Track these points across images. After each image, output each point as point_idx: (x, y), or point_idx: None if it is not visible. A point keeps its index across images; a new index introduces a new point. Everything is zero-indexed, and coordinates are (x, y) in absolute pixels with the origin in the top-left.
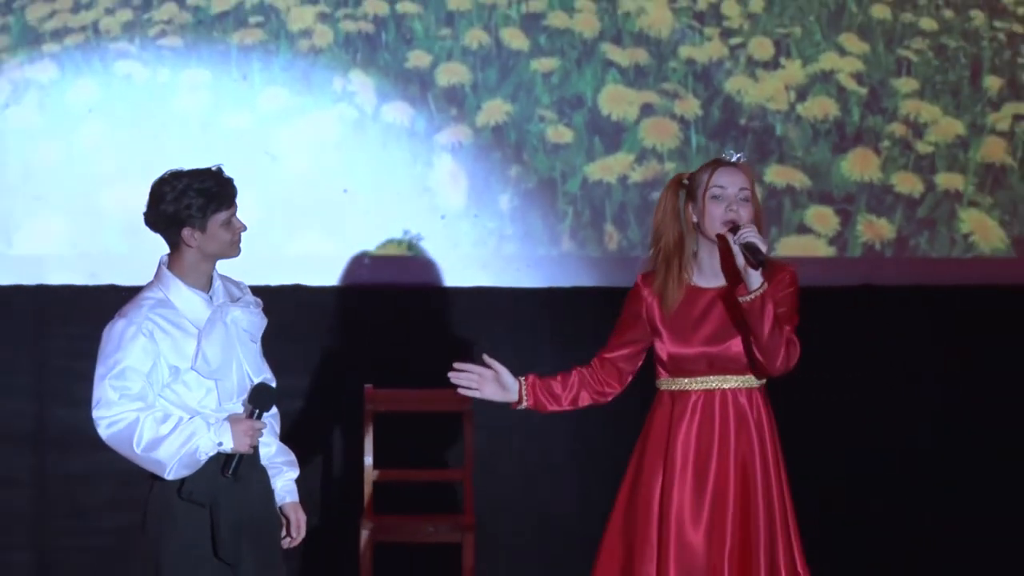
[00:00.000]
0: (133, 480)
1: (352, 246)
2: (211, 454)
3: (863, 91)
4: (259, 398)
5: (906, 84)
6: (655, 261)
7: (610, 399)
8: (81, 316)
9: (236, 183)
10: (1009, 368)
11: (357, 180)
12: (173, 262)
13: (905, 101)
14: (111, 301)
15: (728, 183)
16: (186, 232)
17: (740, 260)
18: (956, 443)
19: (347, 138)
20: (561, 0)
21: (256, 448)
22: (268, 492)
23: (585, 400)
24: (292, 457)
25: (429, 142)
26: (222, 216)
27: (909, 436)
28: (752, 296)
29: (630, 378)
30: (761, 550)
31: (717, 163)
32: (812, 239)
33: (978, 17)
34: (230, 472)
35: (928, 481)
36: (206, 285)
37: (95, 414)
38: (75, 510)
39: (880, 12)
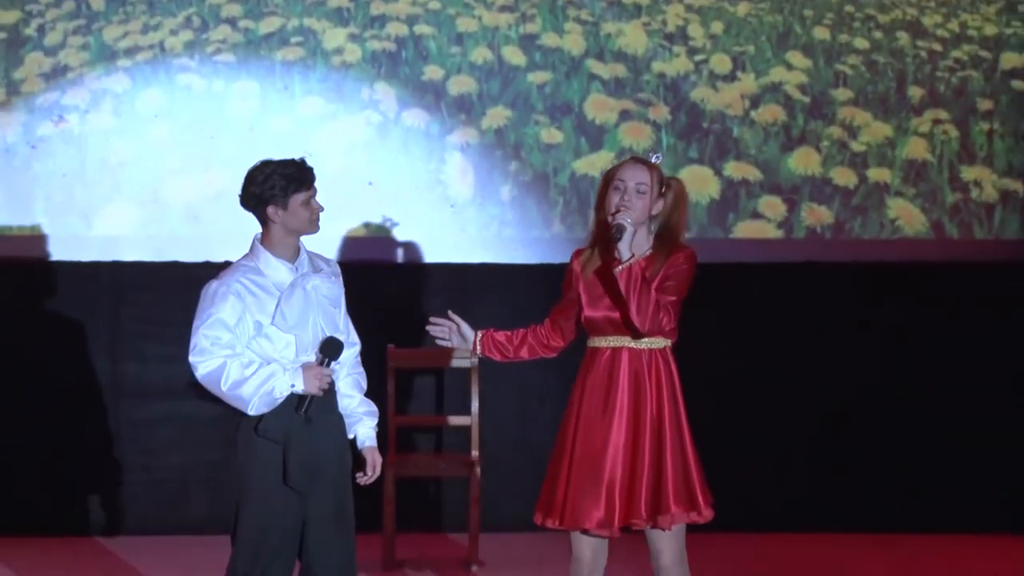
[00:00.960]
0: (191, 425)
1: (377, 230)
2: (286, 394)
3: (806, 99)
4: (328, 349)
5: (842, 94)
6: (590, 239)
7: (557, 352)
8: (149, 287)
9: (312, 171)
10: (928, 330)
11: (381, 174)
12: (263, 237)
13: (842, 108)
14: (174, 275)
15: (628, 177)
16: (270, 209)
17: (612, 235)
18: (881, 396)
19: (373, 139)
20: (553, 23)
21: (333, 396)
22: (341, 436)
23: (532, 351)
24: (373, 408)
25: (442, 142)
26: (301, 196)
27: (844, 393)
28: (621, 268)
29: (572, 335)
30: (644, 478)
31: (627, 160)
32: (763, 223)
33: (903, 37)
34: (302, 411)
35: (870, 424)
36: (292, 257)
37: (191, 359)
38: (144, 450)
39: (821, 33)
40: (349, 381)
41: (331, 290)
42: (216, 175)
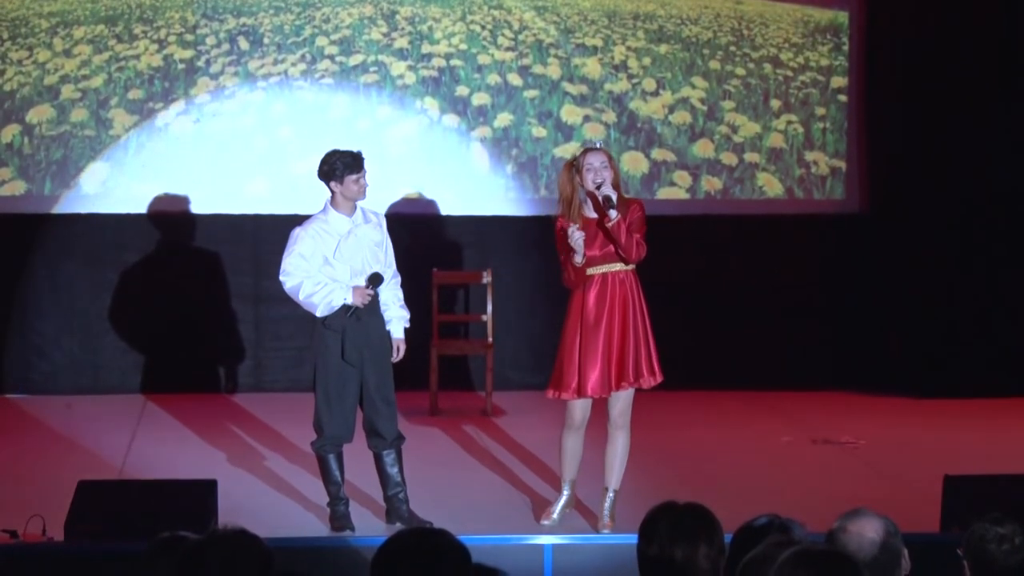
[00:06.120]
0: (304, 323)
1: (429, 195)
2: (340, 304)
3: (705, 108)
4: (372, 279)
5: (728, 104)
6: (561, 206)
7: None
8: (277, 229)
9: (363, 159)
10: (780, 253)
11: (429, 159)
12: (331, 199)
13: (727, 113)
14: (294, 222)
15: (595, 159)
16: (333, 183)
17: (603, 204)
18: (749, 290)
19: (423, 135)
20: (540, 58)
21: (379, 306)
22: (383, 331)
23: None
24: (405, 313)
25: (468, 136)
26: (353, 176)
27: (725, 289)
28: (611, 223)
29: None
30: (630, 357)
31: (587, 150)
32: (677, 189)
33: (768, 67)
34: (349, 316)
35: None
36: (349, 212)
37: (280, 278)
38: (276, 336)
39: (714, 65)
40: (391, 295)
41: (375, 235)
42: (320, 158)
